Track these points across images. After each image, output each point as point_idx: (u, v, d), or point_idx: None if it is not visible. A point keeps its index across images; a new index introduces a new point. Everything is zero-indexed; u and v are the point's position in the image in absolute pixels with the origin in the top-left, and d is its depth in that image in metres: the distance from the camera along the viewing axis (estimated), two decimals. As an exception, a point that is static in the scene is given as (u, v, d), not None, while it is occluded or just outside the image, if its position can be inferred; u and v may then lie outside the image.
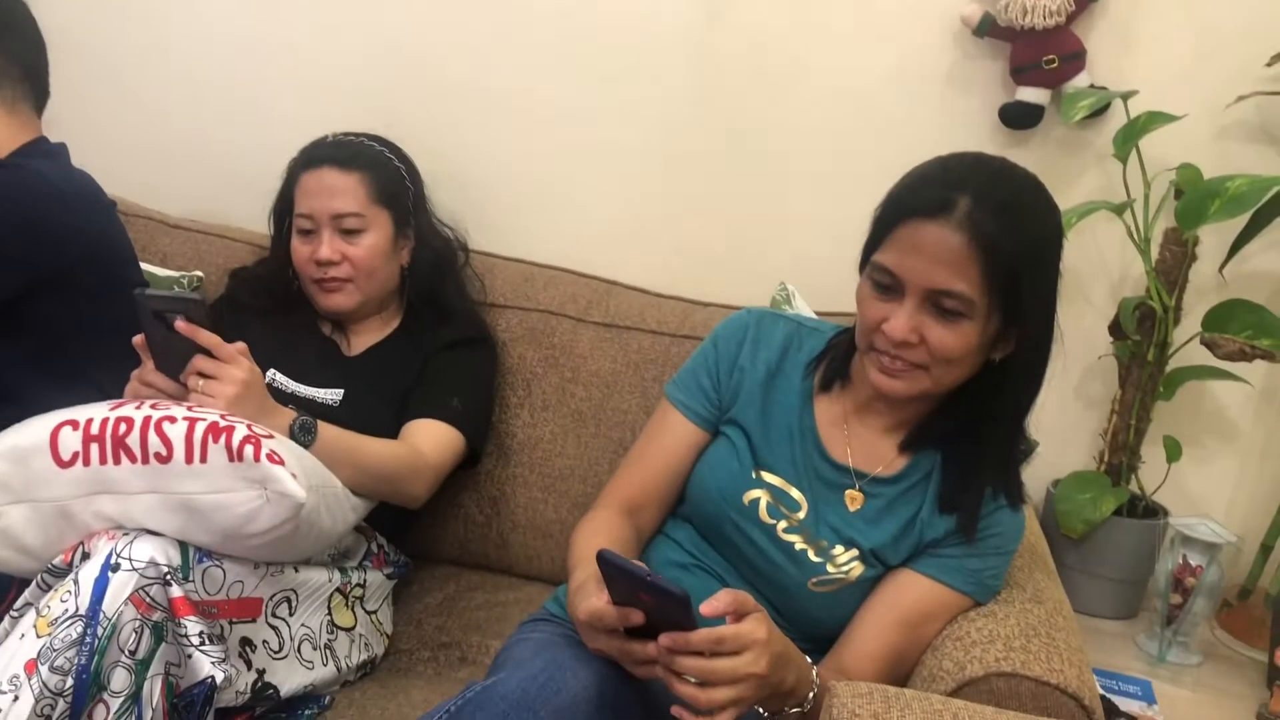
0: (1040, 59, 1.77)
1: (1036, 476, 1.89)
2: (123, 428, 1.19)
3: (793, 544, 1.31)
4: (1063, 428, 1.93)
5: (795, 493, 1.33)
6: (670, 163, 1.97)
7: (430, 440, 1.58)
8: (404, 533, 1.68)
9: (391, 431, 1.58)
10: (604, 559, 1.06)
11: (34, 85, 1.60)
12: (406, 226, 1.72)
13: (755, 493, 1.33)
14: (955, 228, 1.14)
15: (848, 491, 1.32)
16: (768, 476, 1.34)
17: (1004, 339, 1.22)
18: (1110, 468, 1.86)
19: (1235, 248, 1.76)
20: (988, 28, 1.79)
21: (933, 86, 1.86)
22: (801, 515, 1.31)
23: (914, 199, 1.19)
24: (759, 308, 1.46)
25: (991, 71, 1.83)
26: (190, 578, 1.19)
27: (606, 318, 1.83)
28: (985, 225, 1.14)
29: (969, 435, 1.27)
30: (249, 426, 1.21)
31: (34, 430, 1.21)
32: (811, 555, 1.30)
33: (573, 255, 1.95)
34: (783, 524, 1.31)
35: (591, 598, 1.11)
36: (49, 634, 1.12)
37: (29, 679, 1.10)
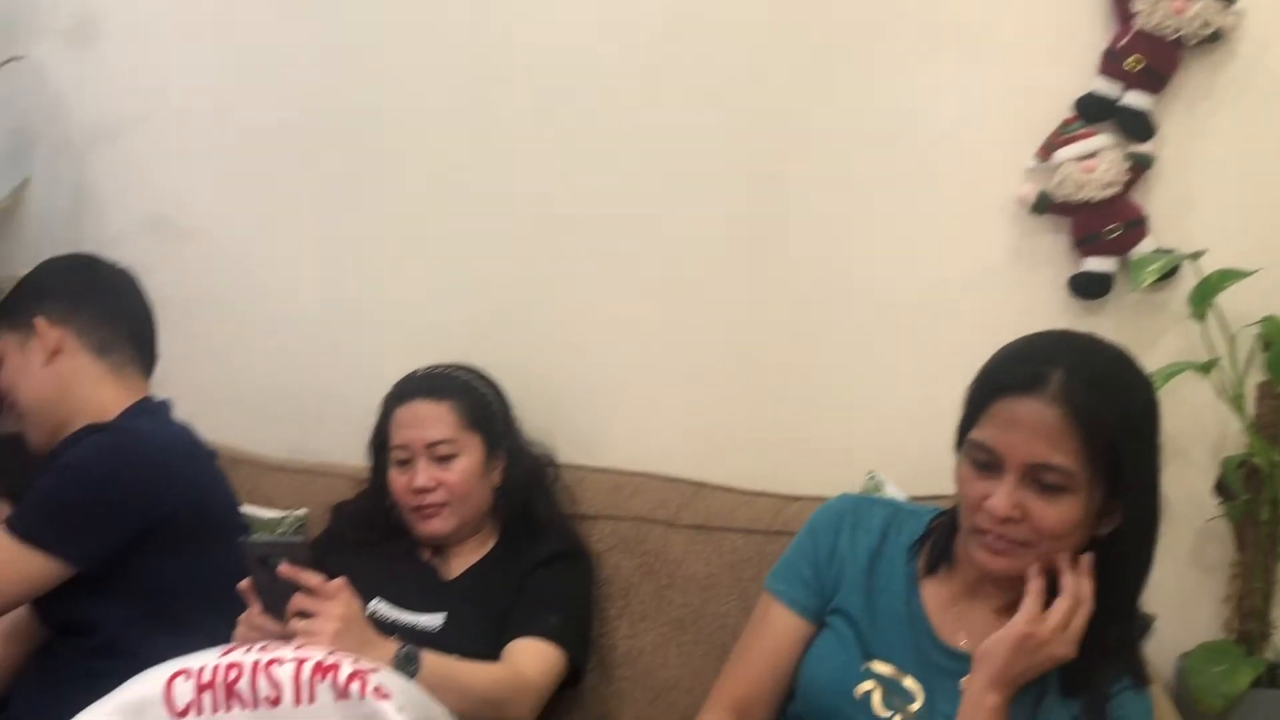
0: (1102, 229, 1.80)
1: (1162, 650, 1.79)
2: (233, 674, 1.21)
3: None
4: (1182, 597, 1.85)
5: (909, 682, 1.29)
6: (747, 361, 2.01)
7: (532, 660, 1.58)
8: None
9: (494, 651, 1.59)
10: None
11: (140, 351, 1.72)
12: (497, 448, 1.77)
13: (867, 685, 1.30)
14: (1050, 401, 1.16)
15: (964, 679, 1.28)
16: (878, 666, 1.31)
17: (1109, 512, 1.20)
18: (1241, 635, 1.77)
19: (1333, 394, 1.72)
20: (1046, 205, 1.83)
21: (998, 267, 1.88)
22: (916, 706, 1.27)
23: (1006, 376, 1.21)
24: (853, 494, 1.46)
25: (1057, 244, 1.86)
26: (302, 822, 1.19)
27: (698, 520, 1.84)
28: (1080, 397, 1.15)
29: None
30: (354, 662, 1.23)
31: (148, 683, 1.24)
32: None
33: (658, 459, 1.97)
34: (899, 717, 1.27)
35: None
36: None
37: None
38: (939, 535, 1.35)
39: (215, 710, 1.21)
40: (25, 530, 1.51)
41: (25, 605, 1.60)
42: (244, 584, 1.37)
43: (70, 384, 1.64)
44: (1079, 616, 1.20)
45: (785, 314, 1.98)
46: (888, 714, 1.28)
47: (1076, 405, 1.15)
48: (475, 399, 1.76)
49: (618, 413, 2.07)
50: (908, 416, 1.89)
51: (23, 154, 2.39)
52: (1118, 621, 1.23)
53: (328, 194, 2.19)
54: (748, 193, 1.98)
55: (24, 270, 1.77)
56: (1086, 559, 1.21)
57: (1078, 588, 1.20)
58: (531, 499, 1.79)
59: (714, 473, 1.93)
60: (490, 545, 1.78)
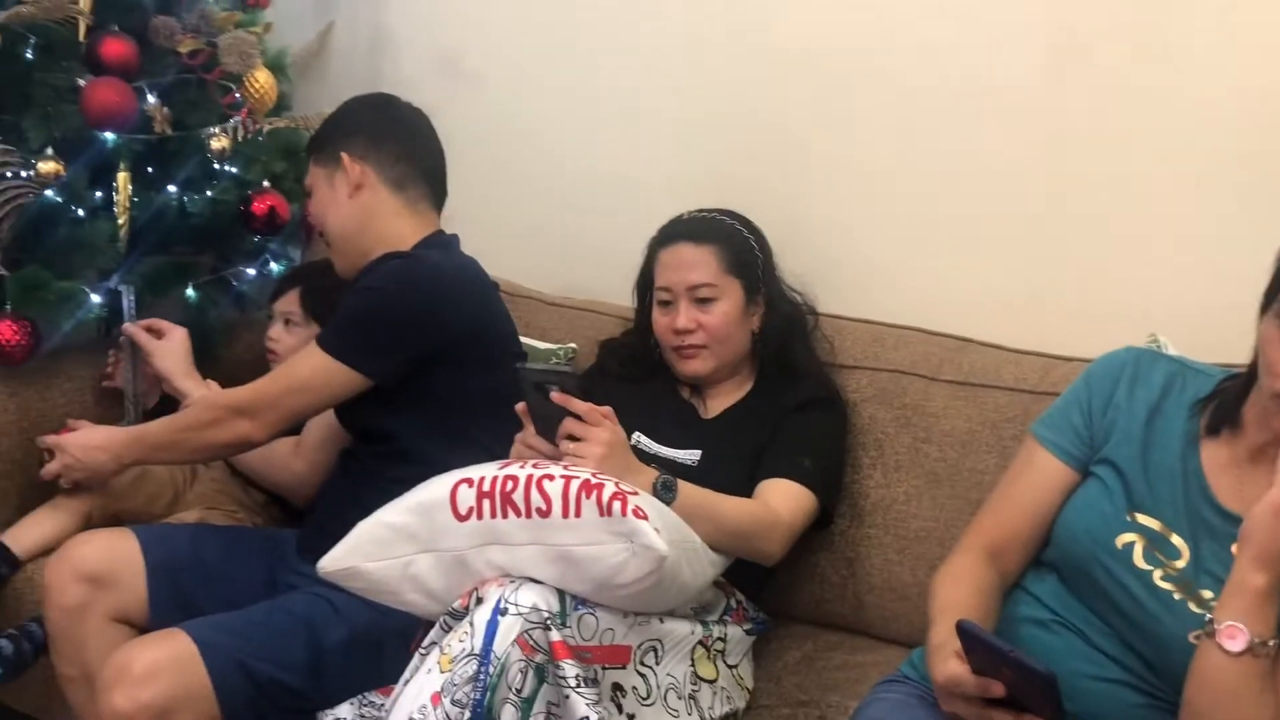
0: None
1: None
2: (509, 485, 1.32)
3: (1170, 593, 1.23)
4: None
5: (1176, 539, 1.25)
6: (1017, 216, 1.91)
7: (784, 499, 1.62)
8: (761, 590, 1.72)
9: (746, 491, 1.64)
10: (964, 631, 1.05)
11: (433, 187, 1.83)
12: (757, 294, 1.79)
13: (1129, 536, 1.26)
14: None
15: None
16: (1143, 519, 1.27)
17: None
18: None
19: None
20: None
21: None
22: (1181, 564, 1.23)
23: None
24: (1137, 347, 1.40)
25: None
26: (567, 623, 1.30)
27: (960, 376, 1.80)
28: None
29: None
30: (616, 484, 1.31)
31: (436, 488, 1.37)
32: (1191, 607, 1.21)
33: (923, 314, 1.93)
34: (1159, 572, 1.24)
35: (951, 661, 1.09)
36: (450, 670, 1.26)
37: (434, 709, 1.24)
38: (1227, 397, 1.28)
39: (493, 516, 1.32)
40: (331, 345, 1.67)
41: (332, 413, 1.79)
42: (520, 406, 1.47)
43: (371, 215, 1.77)
44: None
45: (1070, 169, 1.87)
46: (1147, 568, 1.24)
47: None
48: (737, 244, 1.78)
49: (883, 264, 2.04)
50: (1197, 280, 1.76)
51: (327, -1, 2.55)
52: None
53: (608, 43, 2.23)
54: (1045, 45, 1.85)
55: (328, 109, 1.91)
56: None
57: None
58: (789, 345, 1.81)
59: (980, 330, 1.89)
60: (748, 388, 1.82)
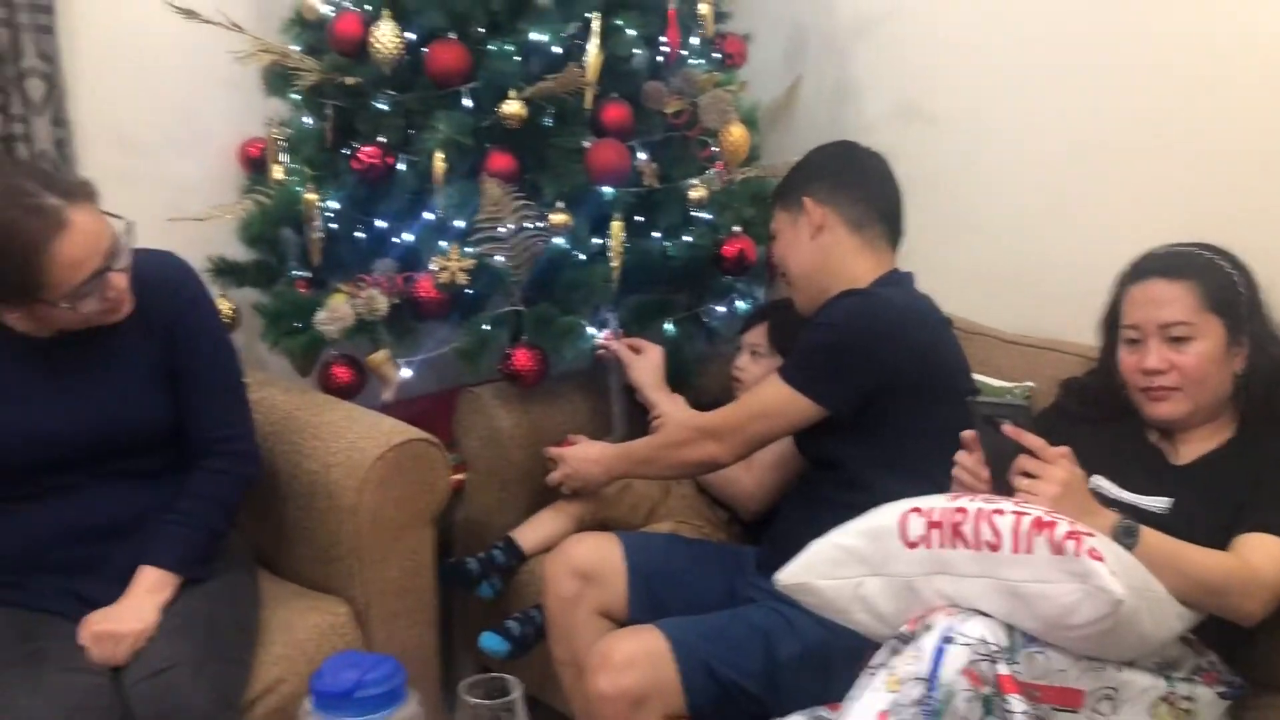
0: None
1: None
2: (959, 517, 1.35)
3: None
4: None
5: None
6: None
7: (1266, 556, 1.50)
8: (1236, 652, 1.59)
9: (1220, 544, 1.53)
10: None
11: (890, 227, 1.90)
12: (1240, 333, 1.67)
13: None
14: None
15: None
16: None
17: None
18: None
19: None
20: None
21: None
22: None
23: None
24: None
25: None
26: (1016, 659, 1.30)
27: None
28: None
29: None
30: (1071, 523, 1.30)
31: (887, 514, 1.43)
32: None
33: None
34: None
35: None
36: (897, 691, 1.31)
37: (880, 726, 1.30)
38: None
39: (941, 545, 1.36)
40: (790, 376, 1.79)
41: (789, 439, 1.91)
42: (968, 434, 1.49)
43: (830, 256, 1.88)
44: None
45: None
46: None
47: None
48: (1218, 280, 1.67)
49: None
50: None
51: (796, 53, 2.71)
52: None
53: (1066, 78, 2.18)
54: None
55: (794, 158, 2.04)
56: None
57: None
58: (1276, 390, 1.66)
59: None
60: (1227, 434, 1.69)
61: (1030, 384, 2.06)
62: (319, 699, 1.26)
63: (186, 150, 2.43)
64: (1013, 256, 2.33)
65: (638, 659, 1.64)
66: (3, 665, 1.54)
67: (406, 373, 2.22)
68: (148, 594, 1.66)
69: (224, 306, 2.31)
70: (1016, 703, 1.27)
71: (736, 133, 2.26)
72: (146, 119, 2.36)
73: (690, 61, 2.34)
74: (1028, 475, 1.41)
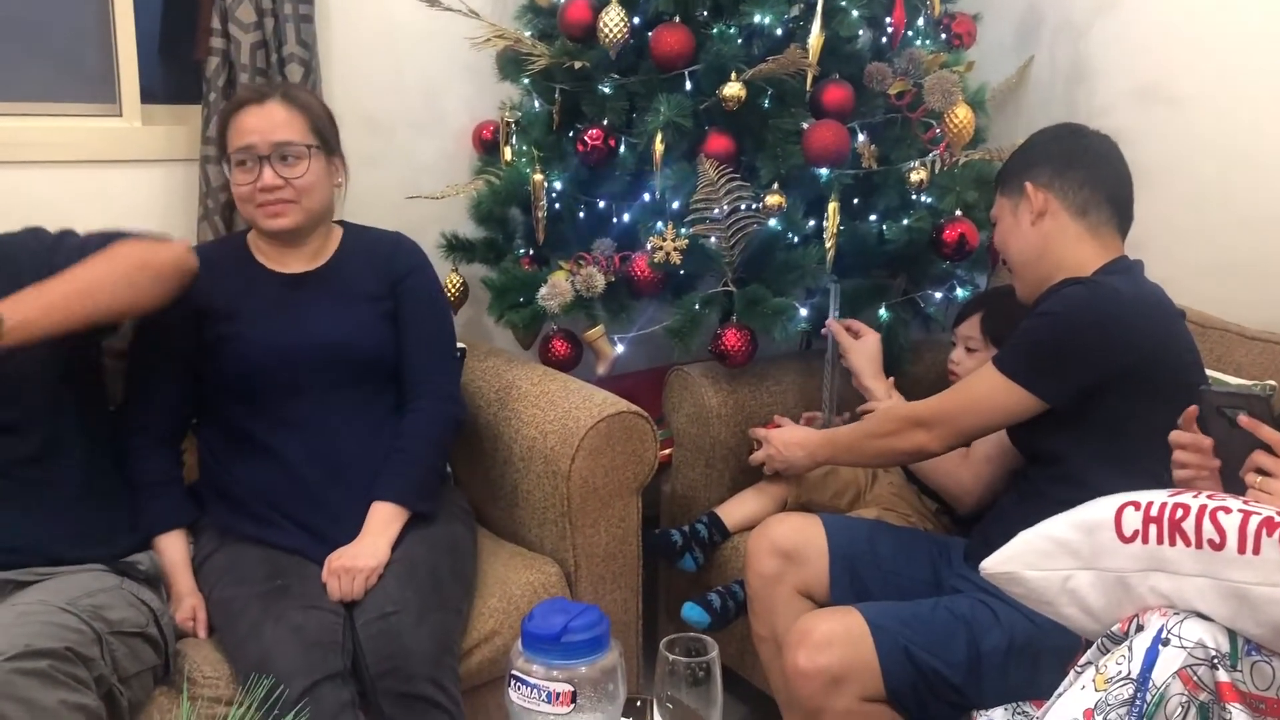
0: None
1: None
2: (1179, 513, 1.29)
3: None
4: None
5: None
6: None
7: None
8: None
9: None
10: None
11: (1118, 213, 1.82)
12: None
13: None
14: None
15: None
16: None
17: None
18: None
19: None
20: None
21: None
22: None
23: None
24: None
25: None
26: (1238, 667, 1.23)
27: None
28: None
29: None
30: (1306, 526, 1.22)
31: (1101, 508, 1.38)
32: None
33: None
34: None
35: None
36: (1104, 690, 1.27)
37: (1086, 723, 1.26)
38: None
39: (1159, 542, 1.30)
40: (1006, 366, 1.74)
41: (1003, 432, 1.86)
42: (1189, 410, 1.42)
43: (1052, 242, 1.81)
44: None
45: None
46: None
47: None
48: None
49: None
50: None
51: (1029, 33, 2.63)
52: None
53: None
54: None
55: (1022, 140, 1.98)
56: None
57: None
58: None
59: None
60: None
61: (1272, 382, 1.91)
62: (528, 639, 1.34)
63: (426, 132, 2.59)
64: (1257, 246, 2.19)
65: (837, 638, 1.65)
66: (254, 599, 1.71)
67: (620, 349, 2.30)
68: (381, 531, 1.81)
69: (454, 280, 2.46)
70: (1238, 713, 1.20)
71: (962, 114, 2.21)
72: (391, 102, 2.53)
73: (916, 42, 2.31)
74: (1262, 472, 1.33)
